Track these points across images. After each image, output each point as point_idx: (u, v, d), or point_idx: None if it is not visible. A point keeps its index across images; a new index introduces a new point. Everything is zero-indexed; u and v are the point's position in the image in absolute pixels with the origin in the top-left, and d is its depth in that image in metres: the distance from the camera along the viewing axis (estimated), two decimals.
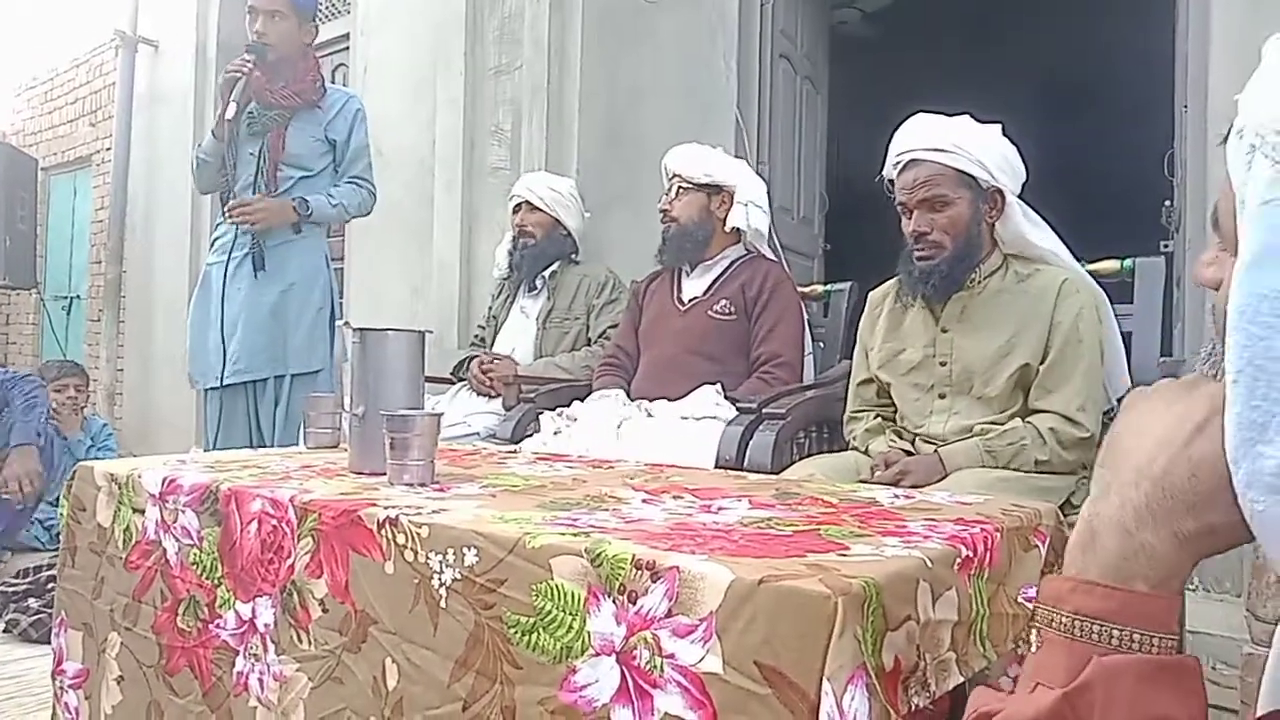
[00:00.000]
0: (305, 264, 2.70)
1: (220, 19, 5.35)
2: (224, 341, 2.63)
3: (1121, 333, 1.84)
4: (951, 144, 1.72)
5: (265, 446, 2.58)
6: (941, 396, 1.79)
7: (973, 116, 1.79)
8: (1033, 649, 0.52)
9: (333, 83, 3.28)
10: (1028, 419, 1.70)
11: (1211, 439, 0.47)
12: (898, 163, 1.79)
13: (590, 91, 3.34)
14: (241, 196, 2.64)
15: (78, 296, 6.90)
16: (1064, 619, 0.50)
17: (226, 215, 2.65)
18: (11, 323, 7.61)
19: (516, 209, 2.88)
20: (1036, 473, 1.64)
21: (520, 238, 2.85)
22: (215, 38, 5.40)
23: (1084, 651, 0.48)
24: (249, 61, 2.60)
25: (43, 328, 7.12)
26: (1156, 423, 0.50)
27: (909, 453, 1.78)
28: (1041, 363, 1.70)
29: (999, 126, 1.79)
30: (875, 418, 1.90)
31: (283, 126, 2.67)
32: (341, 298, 4.44)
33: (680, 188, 2.44)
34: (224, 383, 2.63)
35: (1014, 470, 1.64)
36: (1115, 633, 0.48)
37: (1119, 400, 1.80)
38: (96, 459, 3.54)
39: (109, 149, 6.17)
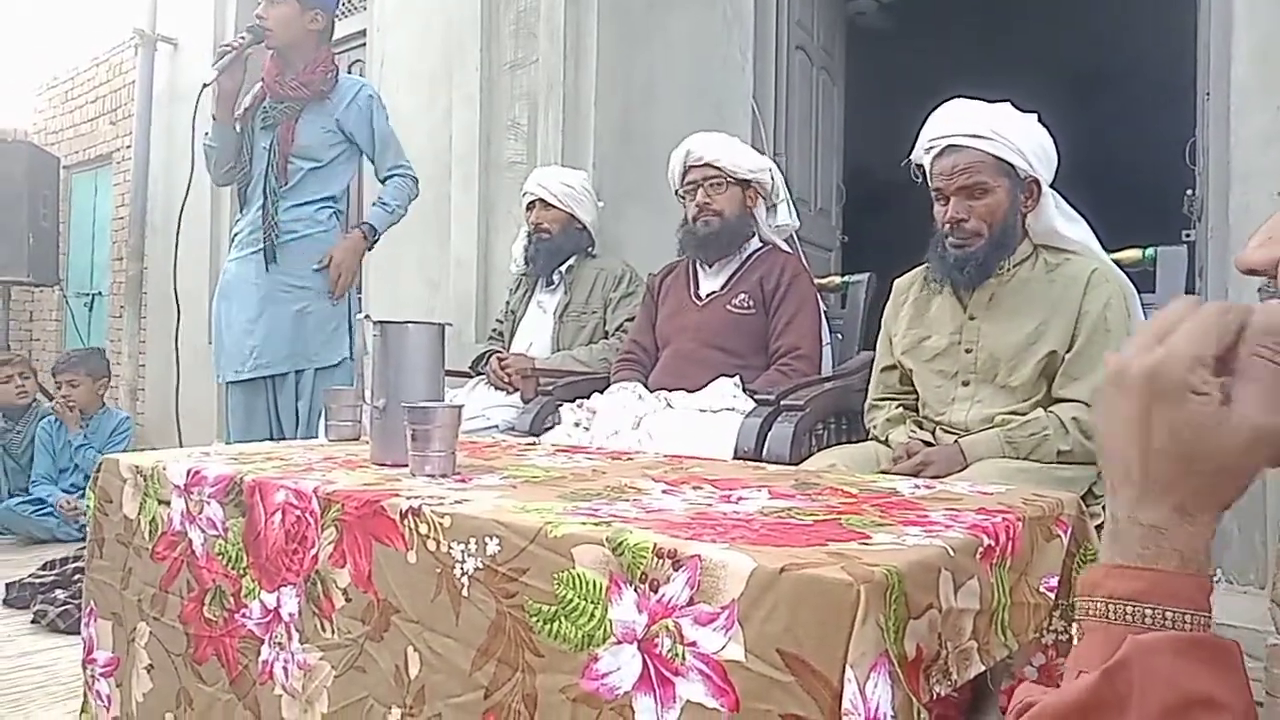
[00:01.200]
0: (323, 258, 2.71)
1: (238, 16, 5.38)
2: (246, 336, 2.67)
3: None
4: (992, 131, 1.70)
5: (285, 440, 2.60)
6: (965, 384, 1.78)
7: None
8: (1075, 641, 0.54)
9: (368, 81, 3.29)
10: (1050, 409, 1.69)
11: (1162, 423, 0.49)
12: (931, 147, 1.77)
13: (606, 85, 3.34)
14: (251, 190, 2.70)
15: (100, 293, 6.97)
16: (1099, 605, 0.52)
17: (333, 297, 2.70)
18: (35, 319, 7.71)
19: (530, 206, 2.87)
20: (1058, 463, 1.63)
21: (536, 234, 2.85)
22: (233, 34, 5.43)
23: (1119, 634, 0.49)
24: (244, 37, 2.63)
25: (66, 324, 7.20)
26: (1111, 424, 0.52)
27: (929, 444, 1.77)
28: (1068, 351, 1.69)
29: (1036, 115, 1.77)
30: (897, 407, 1.90)
31: (293, 119, 2.68)
32: (360, 293, 4.50)
33: (723, 180, 2.36)
34: (245, 377, 2.67)
35: (1035, 461, 1.63)
36: (1148, 612, 0.49)
37: None
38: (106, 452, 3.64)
39: (129, 146, 6.22)
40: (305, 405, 2.68)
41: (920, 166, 1.84)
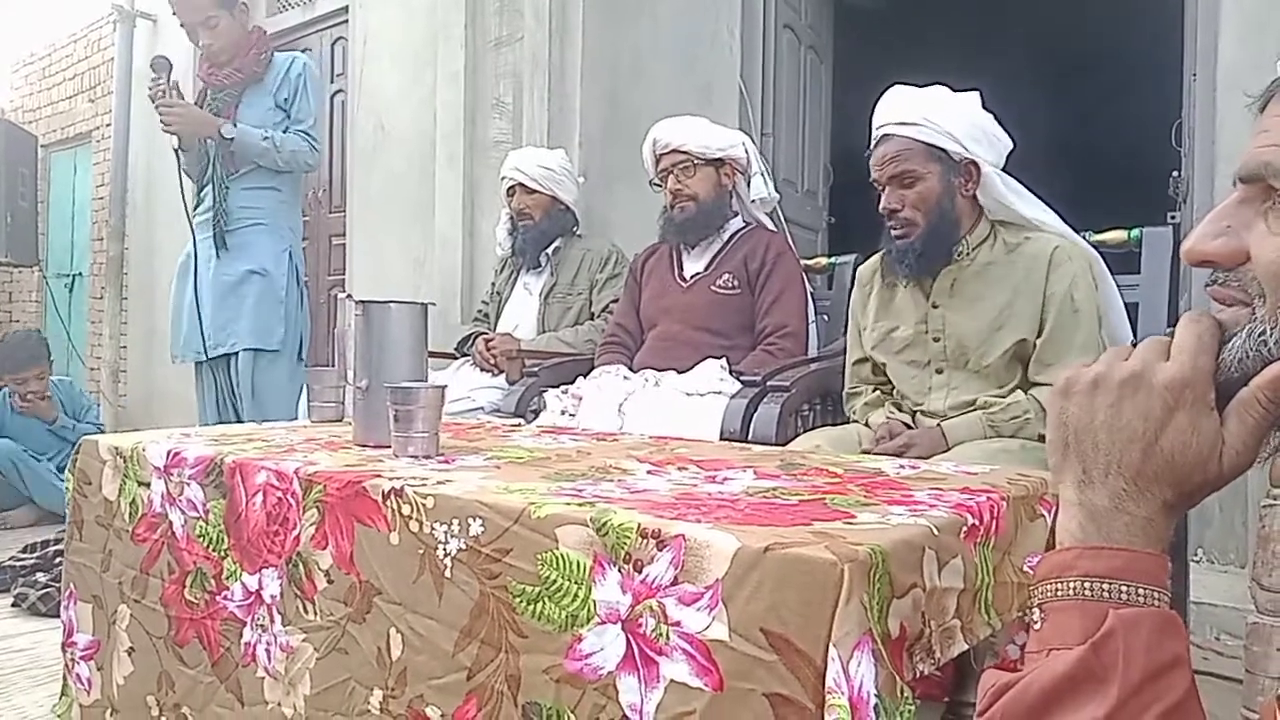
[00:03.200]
0: (272, 245, 2.79)
1: None
2: (194, 317, 2.75)
3: (1128, 303, 1.83)
4: (921, 117, 1.68)
5: (237, 422, 2.66)
6: (939, 372, 1.78)
7: (980, 89, 1.75)
8: (1035, 627, 0.56)
9: (332, 57, 3.32)
10: (1030, 392, 1.69)
11: (1178, 431, 0.53)
12: (875, 138, 1.77)
13: (592, 63, 3.31)
14: (205, 183, 2.78)
15: (80, 274, 6.89)
16: (1073, 584, 0.54)
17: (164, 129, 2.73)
18: (14, 300, 7.62)
19: (511, 191, 2.83)
20: (1040, 443, 1.63)
21: (520, 220, 2.82)
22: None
23: (1097, 609, 0.52)
24: (160, 80, 2.66)
25: (45, 305, 7.12)
26: (1117, 418, 0.54)
27: (909, 426, 1.77)
28: (1038, 336, 1.68)
29: (976, 95, 1.75)
30: (874, 391, 1.90)
31: (233, 105, 2.77)
32: (344, 272, 4.47)
33: (691, 163, 2.35)
34: (194, 359, 2.79)
35: (1018, 440, 1.64)
36: (1124, 589, 0.53)
37: None
38: (87, 434, 3.56)
39: (109, 125, 6.13)
40: (247, 389, 2.74)
41: None
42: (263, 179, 2.79)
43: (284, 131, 2.78)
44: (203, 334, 2.73)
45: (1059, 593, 0.54)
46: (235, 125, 2.72)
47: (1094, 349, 1.65)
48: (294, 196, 2.91)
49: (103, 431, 3.73)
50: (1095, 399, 0.55)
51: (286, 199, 2.86)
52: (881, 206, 1.74)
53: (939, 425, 1.71)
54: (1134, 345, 0.57)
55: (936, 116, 1.68)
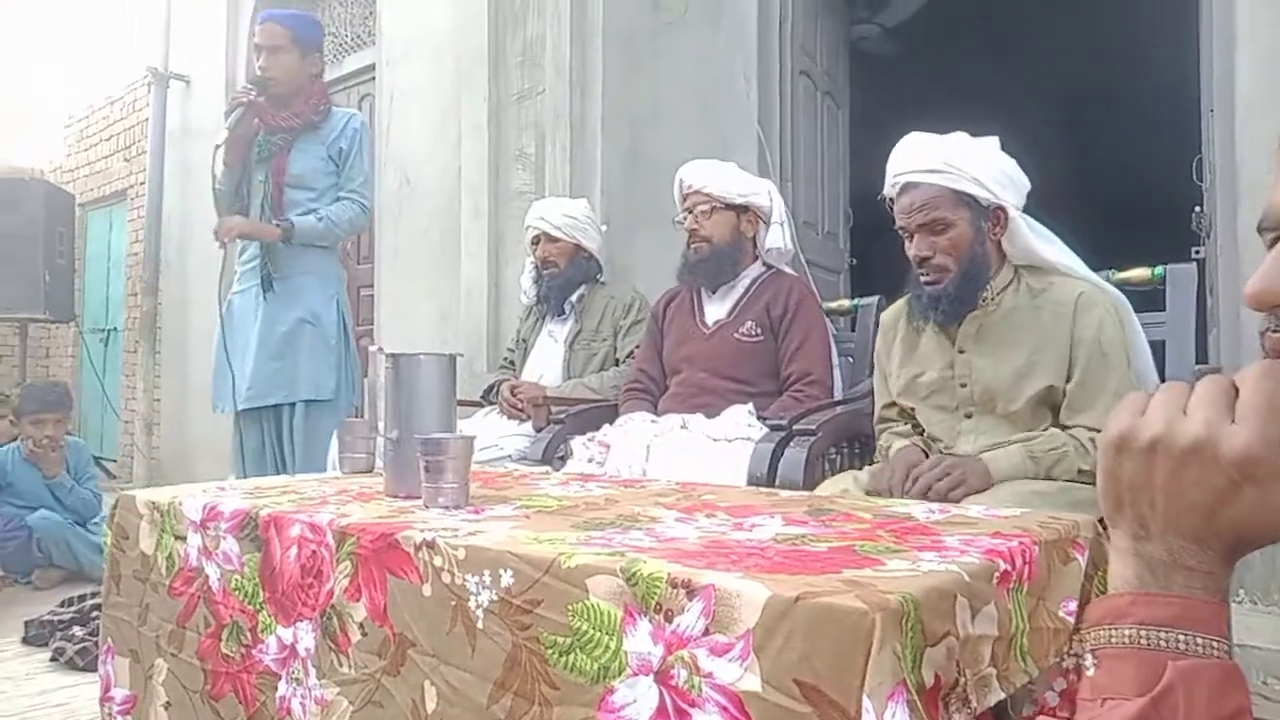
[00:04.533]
0: (321, 293, 2.78)
1: (249, 54, 5.47)
2: (241, 367, 2.74)
3: (1154, 342, 1.81)
4: (945, 164, 1.68)
5: (285, 473, 2.64)
6: (968, 416, 1.76)
7: (997, 130, 1.77)
8: (1088, 673, 0.54)
9: (359, 112, 3.37)
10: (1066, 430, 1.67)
11: (1244, 504, 0.50)
12: (894, 184, 1.77)
13: (612, 113, 3.37)
14: (248, 220, 2.76)
15: (115, 328, 7.04)
16: (1127, 632, 0.52)
17: (215, 237, 2.74)
18: (51, 355, 7.78)
19: (535, 241, 2.86)
20: (1076, 482, 1.61)
21: (545, 269, 2.86)
22: (244, 72, 5.52)
23: (1154, 659, 0.50)
24: (251, 90, 2.71)
25: (81, 360, 7.26)
26: (1176, 483, 0.52)
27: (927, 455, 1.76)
28: (1067, 382, 1.66)
29: (996, 140, 1.76)
30: (906, 424, 1.89)
31: (285, 150, 2.76)
32: (371, 323, 4.53)
33: (711, 207, 2.38)
34: (242, 407, 2.74)
35: (1054, 480, 1.61)
36: (1181, 638, 0.51)
37: None
38: (82, 498, 3.56)
39: (143, 183, 6.31)
40: (301, 439, 2.72)
41: (893, 201, 1.84)
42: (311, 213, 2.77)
43: (333, 185, 2.79)
44: (247, 384, 2.71)
45: (1113, 639, 0.52)
46: (290, 221, 2.71)
47: (1127, 393, 1.63)
48: (336, 245, 2.92)
49: (98, 498, 3.65)
50: (1154, 460, 0.52)
51: (330, 247, 2.86)
52: (912, 254, 1.74)
53: (979, 458, 1.67)
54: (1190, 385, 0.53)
55: (961, 162, 1.69)
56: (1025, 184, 1.76)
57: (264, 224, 2.72)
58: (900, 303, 1.90)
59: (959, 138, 1.74)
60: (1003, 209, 1.71)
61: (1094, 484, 1.60)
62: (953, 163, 1.69)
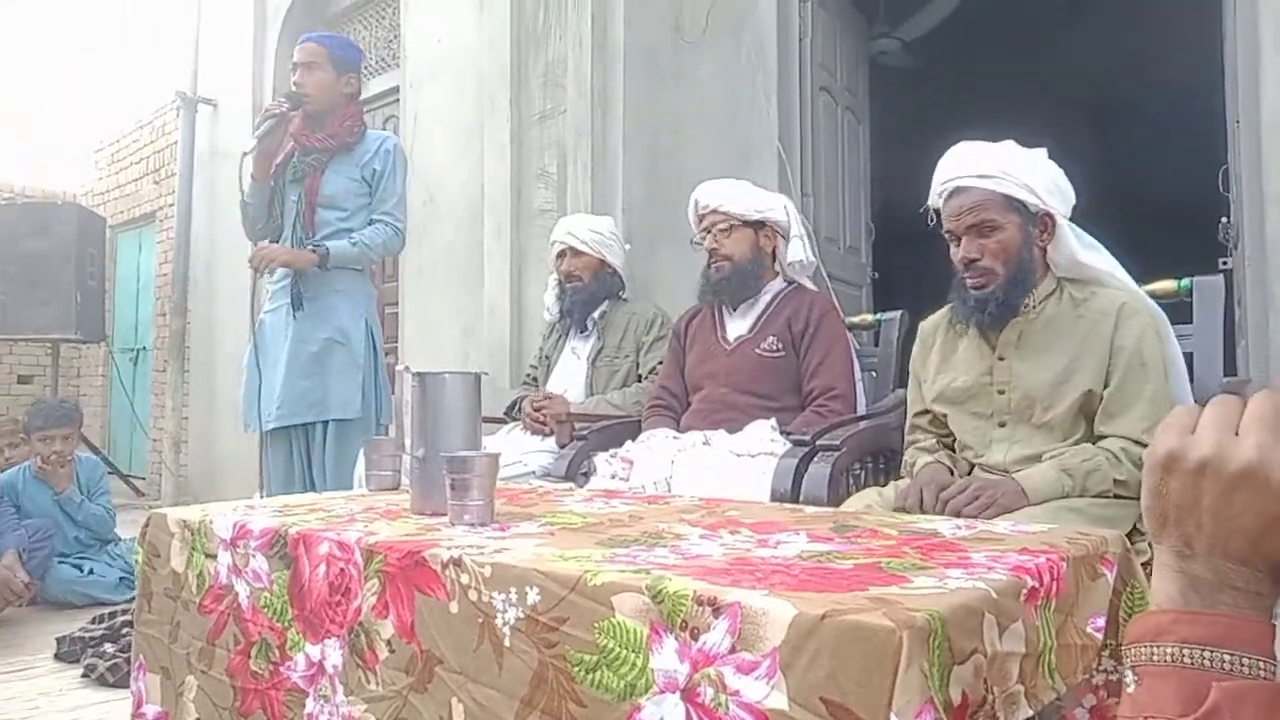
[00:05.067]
0: (351, 313, 2.79)
1: (275, 77, 5.57)
2: (271, 386, 2.75)
3: (1183, 354, 1.80)
4: (998, 170, 1.70)
5: (315, 490, 2.65)
6: (1002, 425, 1.76)
7: (1018, 141, 1.78)
8: (1129, 689, 0.53)
9: (394, 135, 3.39)
10: (1098, 444, 1.65)
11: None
12: (942, 191, 1.78)
13: (633, 132, 3.40)
14: (279, 244, 2.78)
15: (144, 348, 7.15)
16: (1169, 650, 0.51)
17: (251, 265, 2.76)
18: (82, 375, 7.91)
19: (561, 255, 2.89)
20: (1110, 498, 1.59)
21: (568, 282, 2.87)
22: (271, 96, 5.61)
23: (1196, 679, 0.49)
24: (283, 103, 2.73)
25: (111, 379, 7.38)
26: (1226, 508, 0.51)
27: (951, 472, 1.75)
28: (1105, 388, 1.66)
29: (1044, 150, 1.78)
30: (932, 439, 1.88)
31: (319, 171, 2.77)
32: (396, 341, 4.58)
33: (730, 225, 2.40)
34: (270, 426, 2.75)
35: (1089, 496, 1.59)
36: (1226, 658, 0.49)
37: None
38: (94, 514, 3.58)
39: (172, 205, 6.43)
40: (330, 458, 2.73)
41: (937, 211, 1.84)
42: (343, 234, 2.78)
43: (365, 206, 2.80)
44: (277, 403, 2.72)
45: (1155, 658, 0.51)
46: (327, 251, 2.70)
47: (1164, 402, 1.62)
48: (366, 265, 2.93)
49: (111, 515, 3.66)
50: (1202, 483, 0.51)
51: (361, 267, 2.87)
52: (960, 257, 1.74)
53: (1011, 476, 1.64)
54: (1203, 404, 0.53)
55: (1013, 169, 1.71)
56: (1072, 195, 1.77)
57: (299, 251, 2.73)
58: (940, 313, 1.90)
59: (1010, 145, 1.76)
60: (1051, 216, 1.72)
61: (1127, 497, 1.57)
62: (1004, 169, 1.71)
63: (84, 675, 2.49)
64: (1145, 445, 1.57)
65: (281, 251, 2.75)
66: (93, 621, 2.80)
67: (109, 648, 2.57)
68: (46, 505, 3.54)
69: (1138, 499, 1.59)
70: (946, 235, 1.77)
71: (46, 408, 3.69)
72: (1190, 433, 0.53)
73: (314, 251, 2.71)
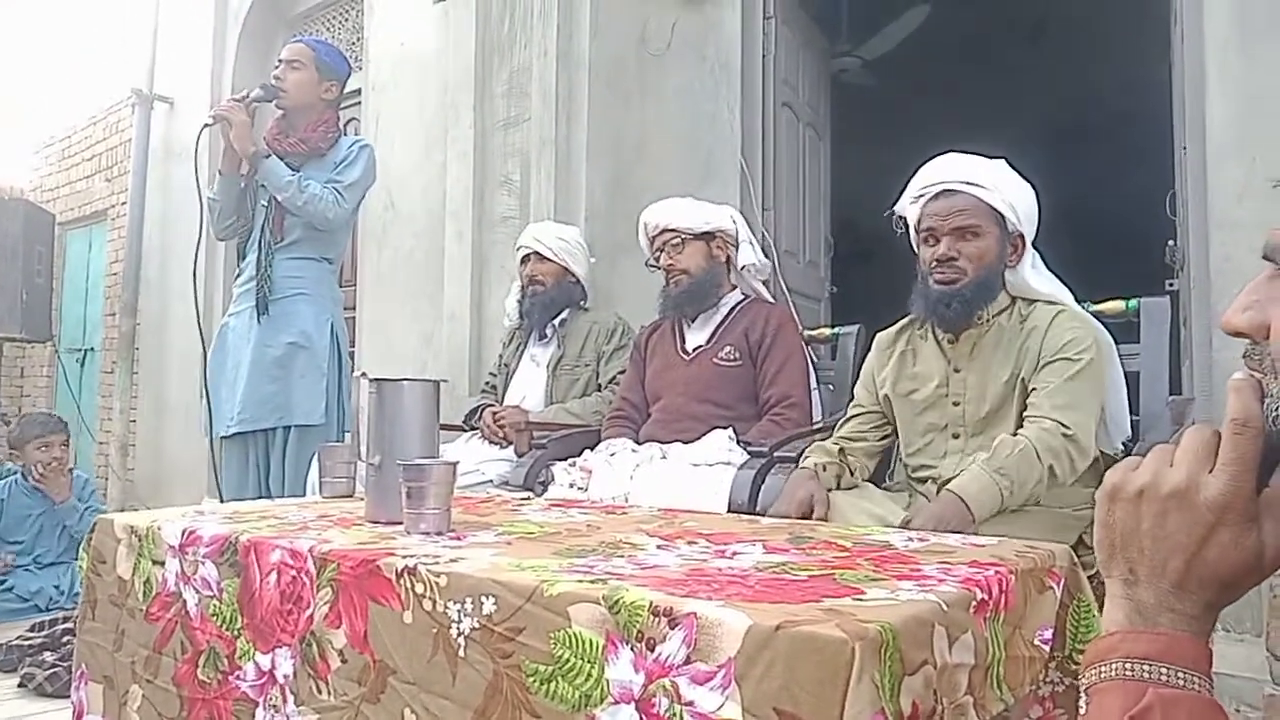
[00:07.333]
0: (315, 316, 2.74)
1: (235, 77, 5.48)
2: (233, 390, 2.70)
3: (1128, 373, 1.85)
4: (991, 182, 1.75)
5: (271, 497, 2.60)
6: (955, 437, 1.79)
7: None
8: (1082, 712, 0.57)
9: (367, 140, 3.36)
10: (1018, 432, 1.67)
11: (1220, 546, 0.55)
12: (923, 194, 1.80)
13: (597, 142, 3.41)
14: (249, 244, 2.75)
15: (92, 349, 6.97)
16: (1115, 667, 0.55)
17: (211, 117, 2.73)
18: (27, 375, 7.68)
19: (525, 260, 2.89)
20: (1054, 507, 1.63)
21: (530, 286, 2.87)
22: (229, 94, 5.52)
23: (1137, 688, 0.53)
24: (255, 92, 2.71)
25: (57, 380, 7.18)
26: (1161, 528, 0.57)
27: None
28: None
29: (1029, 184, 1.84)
30: (833, 441, 1.89)
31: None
32: (353, 347, 4.52)
33: (681, 239, 2.45)
34: (232, 431, 2.69)
35: (1027, 487, 1.59)
36: (1165, 671, 0.54)
37: (1124, 445, 1.80)
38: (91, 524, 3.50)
39: (124, 204, 6.28)
40: (290, 464, 2.67)
41: (903, 218, 1.87)
42: (309, 248, 2.74)
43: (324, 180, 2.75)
44: (239, 408, 2.66)
45: (1103, 675, 0.55)
46: (271, 152, 2.67)
47: (1085, 392, 1.65)
48: (336, 267, 2.88)
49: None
50: (1141, 507, 0.58)
51: (330, 269, 2.82)
52: (935, 254, 1.76)
53: (946, 491, 1.60)
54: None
55: (1004, 185, 1.76)
56: (1036, 222, 1.83)
57: (249, 139, 2.65)
58: (898, 325, 1.94)
59: (1002, 164, 1.81)
60: (1023, 237, 1.79)
61: (1059, 480, 1.59)
62: (997, 182, 1.76)
63: (21, 685, 2.42)
64: (1060, 423, 1.59)
65: (240, 125, 2.66)
66: (31, 629, 2.72)
67: (48, 656, 2.50)
68: (35, 518, 3.46)
69: (1070, 475, 1.61)
70: (923, 234, 1.80)
71: (40, 416, 3.69)
72: (1134, 470, 0.59)
73: (256, 149, 2.65)
